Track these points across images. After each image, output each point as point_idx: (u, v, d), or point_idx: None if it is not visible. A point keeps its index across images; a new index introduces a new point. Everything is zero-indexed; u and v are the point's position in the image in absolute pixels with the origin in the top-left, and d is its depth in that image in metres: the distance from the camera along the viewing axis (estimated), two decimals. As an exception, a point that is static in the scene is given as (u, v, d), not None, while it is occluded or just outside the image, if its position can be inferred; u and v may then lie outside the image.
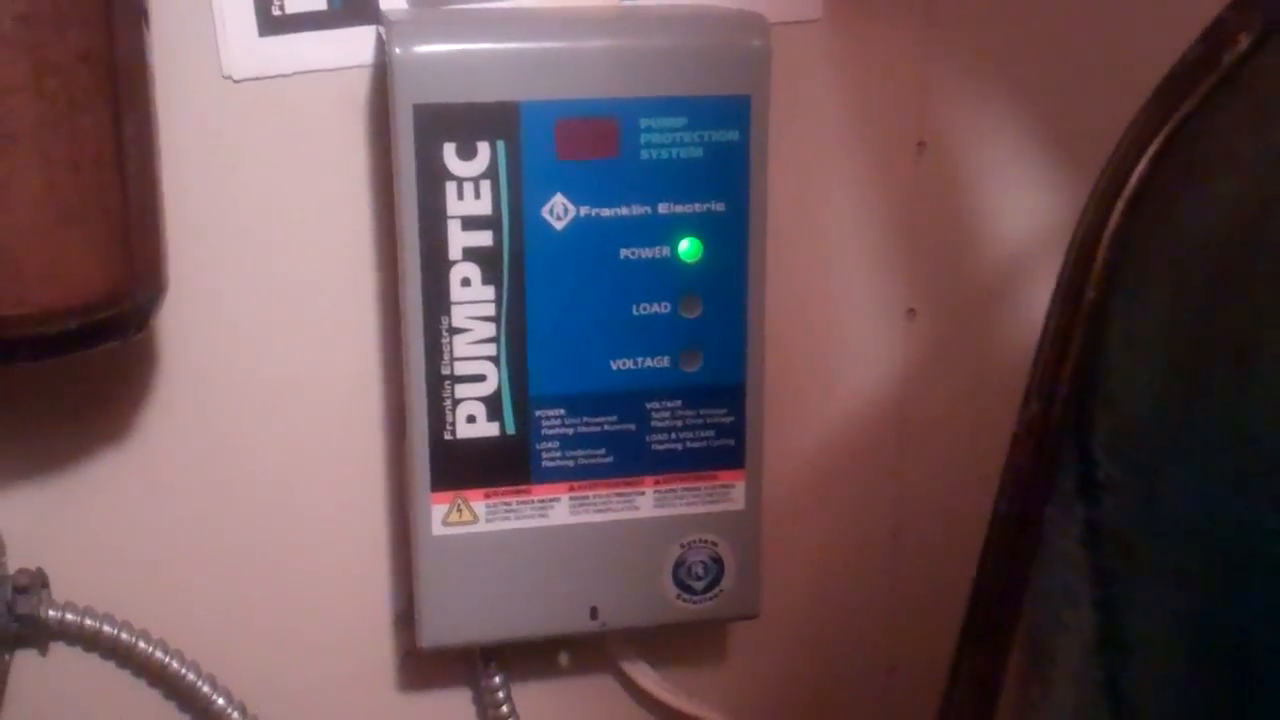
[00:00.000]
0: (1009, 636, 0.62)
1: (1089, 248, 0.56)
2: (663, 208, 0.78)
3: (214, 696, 0.85)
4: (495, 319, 0.78)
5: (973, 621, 0.62)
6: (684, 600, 0.85)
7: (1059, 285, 0.58)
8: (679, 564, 0.84)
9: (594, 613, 0.84)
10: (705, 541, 0.84)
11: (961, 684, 0.63)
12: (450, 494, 0.80)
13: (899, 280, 0.92)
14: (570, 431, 0.80)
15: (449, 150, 0.75)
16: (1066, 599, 0.59)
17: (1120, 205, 0.55)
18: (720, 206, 0.79)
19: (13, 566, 0.82)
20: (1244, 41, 0.53)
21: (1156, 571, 0.54)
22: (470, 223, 0.76)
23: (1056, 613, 0.60)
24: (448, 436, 0.79)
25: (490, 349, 0.78)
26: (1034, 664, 0.63)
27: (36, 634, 0.84)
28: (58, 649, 0.85)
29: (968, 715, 0.64)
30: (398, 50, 0.73)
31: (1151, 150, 0.54)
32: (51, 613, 0.82)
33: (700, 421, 0.82)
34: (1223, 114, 0.54)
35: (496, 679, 0.90)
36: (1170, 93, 0.55)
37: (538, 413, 0.80)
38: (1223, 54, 0.53)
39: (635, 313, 0.79)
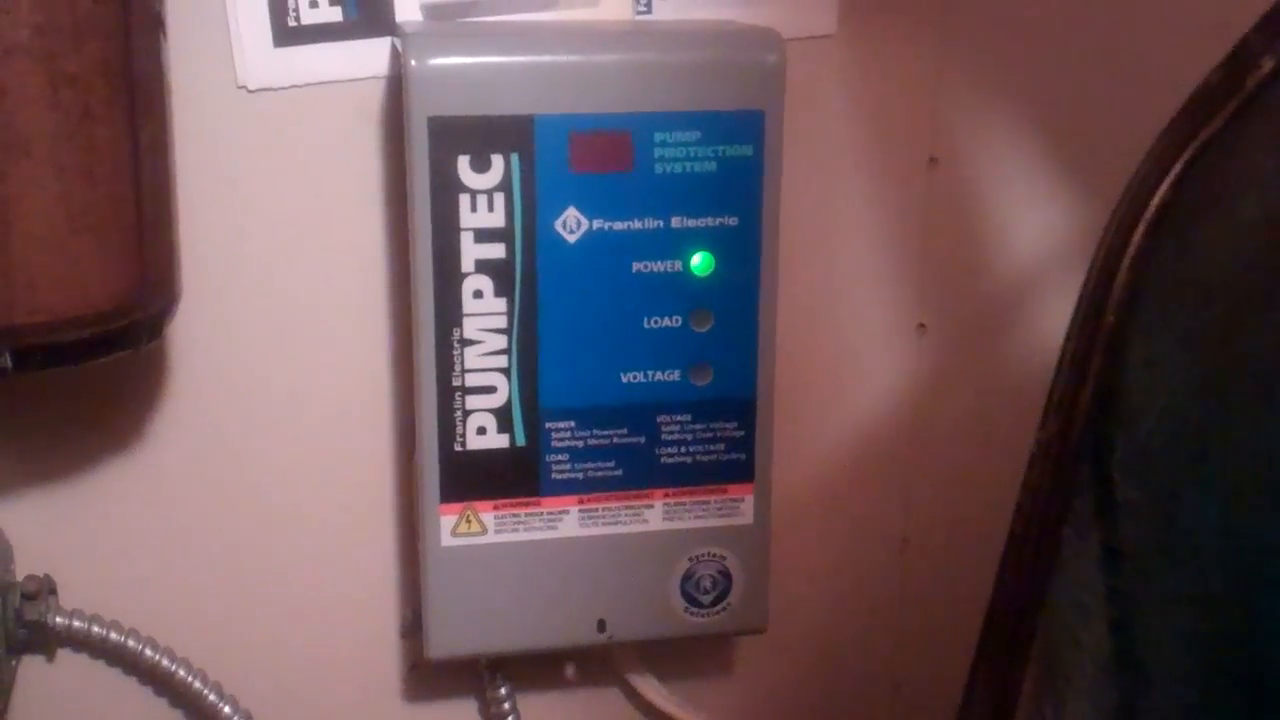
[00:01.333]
0: (1024, 656, 0.62)
1: (1110, 270, 0.56)
2: (675, 222, 0.78)
3: (220, 705, 0.85)
4: (507, 331, 0.78)
5: (988, 640, 0.62)
6: (691, 613, 0.85)
7: (1079, 306, 0.58)
8: (687, 577, 0.84)
9: (601, 625, 0.84)
10: (714, 555, 0.84)
11: (976, 702, 0.63)
12: (459, 505, 0.80)
13: (910, 295, 0.92)
14: (580, 444, 0.80)
15: (463, 162, 0.75)
16: (1082, 620, 0.59)
17: (1141, 228, 0.55)
18: (733, 221, 0.79)
19: (21, 573, 0.82)
20: (1267, 65, 0.53)
21: (1173, 594, 0.54)
22: (483, 235, 0.76)
23: (1072, 633, 0.60)
24: (458, 448, 0.79)
25: (501, 361, 0.78)
26: (1048, 684, 0.63)
27: (44, 640, 0.84)
28: (64, 655, 0.85)
29: (981, 733, 0.64)
30: (413, 62, 0.74)
31: (1173, 173, 0.54)
32: (59, 619, 0.82)
33: (710, 435, 0.82)
34: (1245, 137, 0.54)
35: (503, 690, 0.90)
36: (1193, 116, 0.55)
37: (548, 425, 0.80)
38: (1246, 77, 0.53)
39: (646, 326, 0.80)
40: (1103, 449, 0.57)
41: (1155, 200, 0.54)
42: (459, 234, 0.76)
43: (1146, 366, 0.55)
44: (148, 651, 0.84)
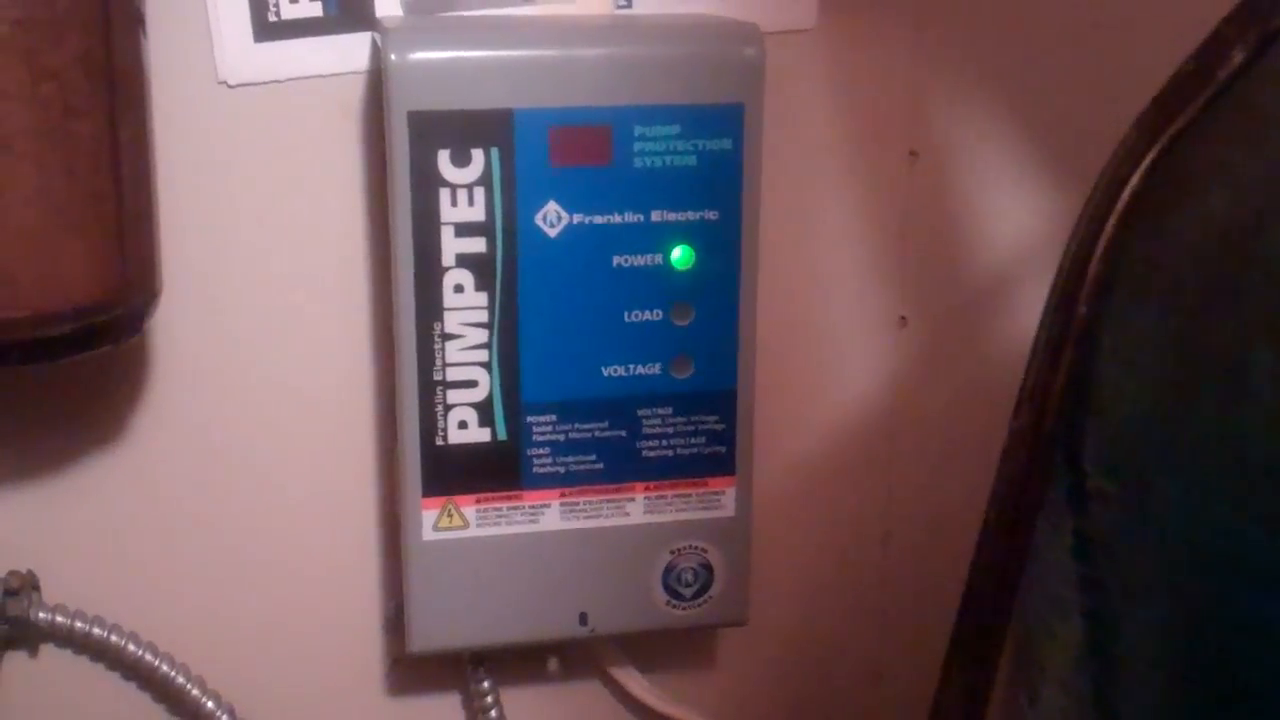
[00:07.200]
0: (998, 645, 0.62)
1: (1082, 260, 0.56)
2: (655, 215, 0.78)
3: (204, 699, 0.85)
4: (488, 325, 0.78)
5: (962, 629, 0.63)
6: (673, 606, 0.85)
7: (1051, 296, 0.58)
8: (669, 570, 0.84)
9: (584, 618, 0.84)
10: (695, 548, 0.84)
11: (951, 691, 0.63)
12: (441, 499, 0.80)
13: (890, 288, 0.92)
14: (561, 438, 0.81)
15: (443, 157, 0.75)
16: (1056, 609, 0.60)
17: (1113, 219, 0.55)
18: (713, 214, 0.79)
19: (3, 569, 0.82)
20: (1238, 56, 0.53)
21: (1144, 583, 0.55)
22: (464, 229, 0.76)
23: (1046, 622, 0.61)
24: (439, 442, 0.79)
25: (482, 355, 0.78)
26: (1023, 673, 0.64)
27: (27, 636, 0.84)
28: (48, 651, 0.85)
29: (956, 723, 0.64)
30: (393, 57, 0.74)
31: (1145, 164, 0.55)
32: (42, 615, 0.82)
33: (691, 428, 0.82)
34: (1216, 128, 0.54)
35: (486, 684, 0.90)
36: (1164, 107, 0.55)
37: (529, 419, 0.80)
38: (1217, 69, 0.53)
39: (627, 320, 0.80)
40: (1075, 439, 0.58)
41: (1127, 191, 0.55)
42: (439, 228, 0.76)
43: (1118, 356, 0.56)
44: (131, 647, 0.84)
